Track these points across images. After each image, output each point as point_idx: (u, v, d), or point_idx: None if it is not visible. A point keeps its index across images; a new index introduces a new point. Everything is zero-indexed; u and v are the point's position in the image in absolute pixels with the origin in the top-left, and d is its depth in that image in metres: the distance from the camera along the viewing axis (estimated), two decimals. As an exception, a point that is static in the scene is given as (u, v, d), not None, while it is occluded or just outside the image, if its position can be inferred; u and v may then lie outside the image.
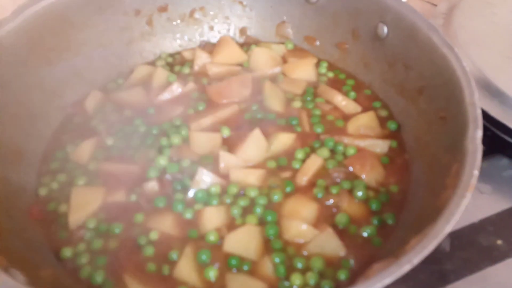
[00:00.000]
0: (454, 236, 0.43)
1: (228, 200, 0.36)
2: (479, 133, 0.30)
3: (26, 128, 0.39)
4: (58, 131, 0.42)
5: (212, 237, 0.34)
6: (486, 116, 0.42)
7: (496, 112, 0.43)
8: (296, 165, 0.38)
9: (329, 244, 0.32)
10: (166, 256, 0.33)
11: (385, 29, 0.43)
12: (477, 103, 0.32)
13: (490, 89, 0.46)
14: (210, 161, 0.39)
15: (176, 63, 0.50)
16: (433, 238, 0.25)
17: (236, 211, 0.35)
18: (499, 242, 0.44)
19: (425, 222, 0.27)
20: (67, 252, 0.33)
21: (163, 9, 0.49)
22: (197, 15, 0.51)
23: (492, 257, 0.43)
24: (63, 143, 0.41)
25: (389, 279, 0.23)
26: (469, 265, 0.42)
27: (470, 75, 0.34)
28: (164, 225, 0.35)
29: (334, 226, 0.34)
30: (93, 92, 0.45)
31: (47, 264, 0.32)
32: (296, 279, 0.31)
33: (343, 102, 0.43)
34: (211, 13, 0.51)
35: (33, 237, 0.33)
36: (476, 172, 0.28)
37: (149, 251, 0.33)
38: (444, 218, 0.26)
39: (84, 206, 0.35)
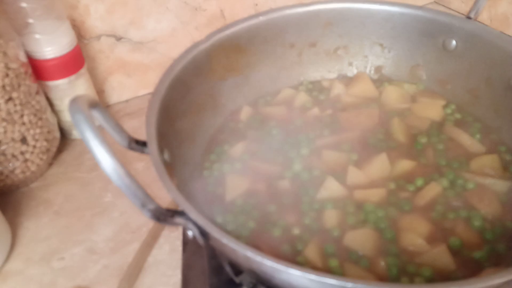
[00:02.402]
0: None
1: (350, 209, 0.43)
2: None
3: (198, 123, 0.51)
4: (217, 131, 0.54)
5: (335, 233, 0.41)
6: None
7: None
8: (415, 189, 0.44)
9: (441, 258, 0.37)
10: (294, 243, 0.41)
11: (520, 81, 0.47)
12: None
13: None
14: (338, 174, 0.46)
15: (315, 89, 0.59)
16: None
17: (356, 217, 0.42)
18: None
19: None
20: (218, 219, 0.43)
21: (312, 45, 0.59)
22: (340, 52, 0.60)
23: None
24: (220, 141, 0.53)
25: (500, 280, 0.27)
26: None
27: None
28: (291, 220, 0.43)
29: (448, 246, 0.38)
30: (246, 105, 0.57)
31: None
32: (405, 282, 0.36)
33: (469, 141, 0.48)
34: (352, 51, 0.60)
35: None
36: None
37: (277, 232, 0.41)
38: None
39: (235, 188, 0.45)
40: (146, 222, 0.65)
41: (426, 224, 0.40)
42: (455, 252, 0.38)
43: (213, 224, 0.31)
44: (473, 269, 0.37)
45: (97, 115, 0.33)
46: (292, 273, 0.27)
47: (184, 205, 0.31)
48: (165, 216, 0.32)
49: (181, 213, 0.32)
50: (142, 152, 0.39)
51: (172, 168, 0.40)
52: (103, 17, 0.73)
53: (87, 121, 0.27)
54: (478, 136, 0.49)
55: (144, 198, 0.30)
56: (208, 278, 0.49)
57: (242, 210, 0.44)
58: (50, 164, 0.74)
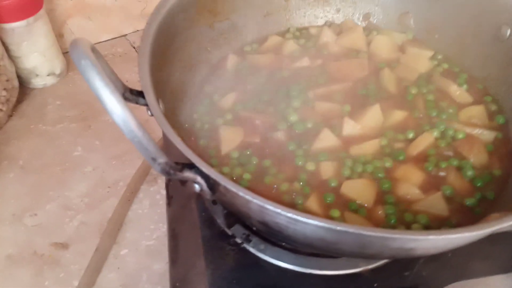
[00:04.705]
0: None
1: (347, 161, 0.44)
2: None
3: (184, 71, 0.50)
4: (204, 81, 0.53)
5: (333, 183, 0.42)
6: None
7: None
8: (408, 139, 0.46)
9: (436, 205, 0.40)
10: (294, 195, 0.42)
11: (508, 31, 0.48)
12: None
13: None
14: (333, 125, 0.47)
15: (302, 36, 0.59)
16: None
17: (353, 168, 0.43)
18: None
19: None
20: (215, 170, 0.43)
21: (300, -12, 0.57)
22: (328, -4, 0.59)
23: None
24: (208, 92, 0.51)
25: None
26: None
27: None
28: (288, 172, 0.44)
29: (442, 194, 0.41)
30: (232, 54, 0.55)
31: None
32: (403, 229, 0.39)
33: (457, 92, 0.50)
34: (341, -4, 0.59)
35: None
36: None
37: (276, 183, 0.42)
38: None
39: (230, 141, 0.45)
40: (122, 177, 0.64)
41: (420, 173, 0.43)
42: (448, 199, 0.41)
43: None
44: (466, 215, 0.40)
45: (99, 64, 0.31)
46: (311, 223, 0.28)
47: (195, 159, 0.31)
48: (174, 170, 0.31)
49: (191, 167, 0.32)
50: (137, 103, 0.38)
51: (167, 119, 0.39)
52: (62, -52, 0.67)
53: (95, 67, 0.25)
54: (465, 86, 0.51)
55: (156, 152, 0.29)
56: (200, 231, 0.49)
57: (238, 162, 0.44)
58: (10, 116, 0.70)
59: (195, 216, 0.51)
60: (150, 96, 0.35)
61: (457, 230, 0.28)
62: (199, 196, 0.52)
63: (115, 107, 0.26)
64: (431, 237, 0.28)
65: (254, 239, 0.48)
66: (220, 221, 0.49)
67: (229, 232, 0.49)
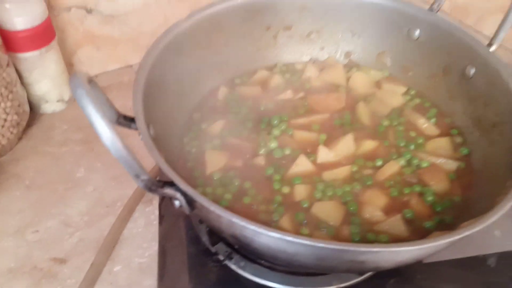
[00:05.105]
0: (502, 256, 0.53)
1: (319, 185, 0.49)
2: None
3: (177, 100, 0.55)
4: (196, 110, 0.58)
5: (305, 204, 0.46)
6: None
7: None
8: (376, 166, 0.50)
9: (396, 226, 0.44)
10: (269, 214, 0.46)
11: (472, 71, 0.54)
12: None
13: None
14: (309, 152, 0.51)
15: (288, 71, 0.64)
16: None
17: (324, 191, 0.48)
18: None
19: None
20: (198, 191, 0.47)
21: (288, 28, 0.64)
22: (313, 36, 0.65)
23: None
24: (198, 120, 0.57)
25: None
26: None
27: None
28: (265, 193, 0.49)
29: (402, 216, 0.45)
30: (223, 85, 0.61)
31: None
32: (366, 247, 0.43)
33: (425, 124, 0.55)
34: (325, 36, 0.65)
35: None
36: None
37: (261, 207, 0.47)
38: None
39: (214, 163, 0.50)
40: (120, 197, 0.69)
41: (384, 197, 0.47)
42: (408, 221, 0.45)
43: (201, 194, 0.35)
44: (424, 236, 0.44)
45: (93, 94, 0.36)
46: (272, 236, 0.33)
47: (174, 177, 0.36)
48: (156, 186, 0.36)
49: (171, 184, 0.37)
50: (130, 127, 0.43)
51: (156, 143, 0.44)
52: (74, -13, 0.74)
53: (89, 96, 0.31)
54: (433, 120, 0.56)
55: (139, 170, 0.34)
56: (186, 248, 0.54)
57: (220, 183, 0.49)
58: (20, 139, 0.76)
59: (182, 234, 0.56)
60: (140, 122, 0.40)
61: (398, 245, 0.32)
62: (187, 216, 0.57)
63: (104, 130, 0.31)
64: (375, 249, 0.32)
65: (236, 256, 0.52)
66: (205, 239, 0.54)
67: (213, 249, 0.53)
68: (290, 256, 0.36)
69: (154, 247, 0.63)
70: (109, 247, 0.62)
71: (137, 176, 0.34)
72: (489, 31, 0.90)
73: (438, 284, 0.50)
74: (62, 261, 0.61)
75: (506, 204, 0.36)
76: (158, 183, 0.36)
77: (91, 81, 0.36)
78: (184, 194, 0.37)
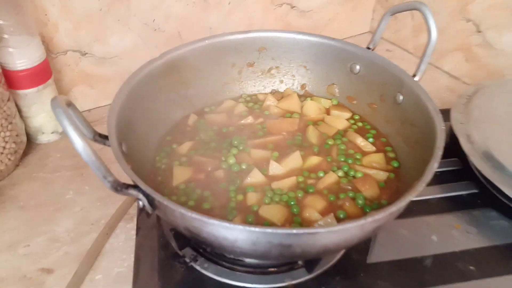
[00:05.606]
0: (436, 257, 0.60)
1: (268, 192, 0.57)
2: (436, 165, 0.48)
3: (151, 125, 0.64)
4: (168, 133, 0.67)
5: (255, 208, 0.55)
6: (484, 178, 0.60)
7: (492, 176, 0.61)
8: (319, 177, 0.59)
9: (330, 224, 0.51)
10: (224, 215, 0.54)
11: (401, 97, 0.63)
12: (441, 149, 0.50)
13: (491, 159, 0.63)
14: (262, 167, 0.60)
15: (251, 101, 0.74)
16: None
17: (272, 198, 0.56)
18: (472, 268, 0.59)
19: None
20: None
21: (250, 65, 0.74)
22: (273, 71, 0.75)
23: (464, 277, 0.58)
24: (169, 142, 0.66)
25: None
26: (443, 279, 0.58)
27: (443, 133, 0.52)
28: (222, 200, 0.57)
29: (336, 217, 0.53)
30: (193, 113, 0.70)
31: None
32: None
33: (362, 143, 0.64)
34: (283, 71, 0.75)
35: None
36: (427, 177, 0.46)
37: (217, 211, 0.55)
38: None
39: (180, 176, 0.59)
40: (104, 216, 0.77)
41: (323, 202, 0.55)
42: (341, 220, 0.53)
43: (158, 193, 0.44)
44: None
45: (69, 112, 0.45)
46: (213, 223, 0.41)
47: (136, 179, 0.44)
48: (121, 187, 0.44)
49: (134, 186, 0.45)
50: (104, 144, 0.52)
51: (128, 157, 0.52)
52: (70, 34, 0.85)
53: (65, 113, 0.40)
54: (371, 139, 0.65)
55: (105, 172, 0.42)
56: (157, 253, 0.61)
57: (184, 192, 0.57)
58: (17, 165, 0.85)
59: (155, 241, 0.63)
60: (112, 139, 0.49)
61: (317, 228, 0.40)
62: (160, 226, 0.65)
63: (77, 139, 0.40)
64: (294, 231, 0.40)
65: (200, 259, 0.59)
66: (174, 244, 0.61)
67: (181, 253, 0.60)
68: (232, 242, 0.43)
69: (133, 258, 0.70)
70: (91, 258, 0.69)
71: (104, 177, 0.43)
72: (448, 66, 1.02)
73: (379, 282, 0.57)
74: (49, 271, 0.68)
75: (404, 199, 0.44)
76: (123, 184, 0.44)
77: (70, 104, 0.45)
78: (146, 195, 0.46)
